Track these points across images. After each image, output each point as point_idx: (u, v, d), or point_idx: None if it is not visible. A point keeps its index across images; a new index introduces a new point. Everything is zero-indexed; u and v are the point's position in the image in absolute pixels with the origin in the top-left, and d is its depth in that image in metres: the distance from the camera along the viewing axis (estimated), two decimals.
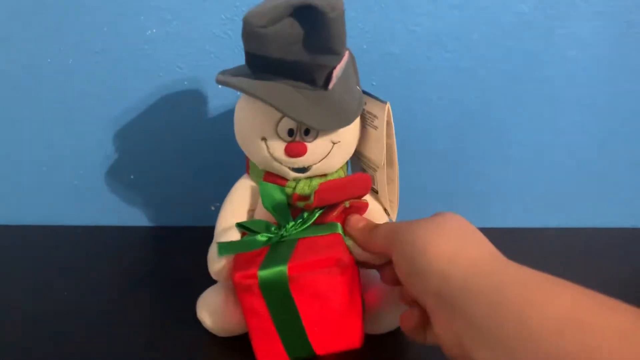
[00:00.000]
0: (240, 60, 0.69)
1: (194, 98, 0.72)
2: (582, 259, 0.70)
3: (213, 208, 0.77)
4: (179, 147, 0.75)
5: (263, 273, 0.43)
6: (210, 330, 0.52)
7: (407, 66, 0.71)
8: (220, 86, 0.70)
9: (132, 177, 0.77)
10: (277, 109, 0.45)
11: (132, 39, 0.69)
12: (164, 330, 0.54)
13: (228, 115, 0.73)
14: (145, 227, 0.79)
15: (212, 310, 0.51)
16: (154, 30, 0.69)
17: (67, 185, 0.77)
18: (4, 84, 0.72)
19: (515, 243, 0.73)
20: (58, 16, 0.68)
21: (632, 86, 0.73)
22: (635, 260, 0.70)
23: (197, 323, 0.53)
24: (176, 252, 0.71)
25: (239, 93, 0.71)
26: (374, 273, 0.57)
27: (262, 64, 0.46)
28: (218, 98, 0.72)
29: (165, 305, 0.59)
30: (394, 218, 0.58)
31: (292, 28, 0.43)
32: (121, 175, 0.77)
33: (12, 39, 0.70)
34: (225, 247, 0.47)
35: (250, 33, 0.44)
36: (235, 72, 0.49)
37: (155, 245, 0.74)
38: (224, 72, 0.50)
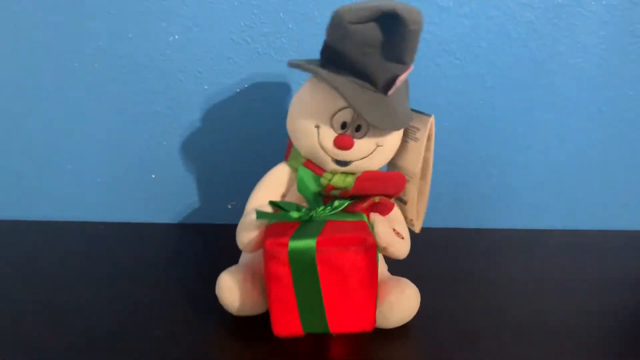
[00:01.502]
0: (256, 65, 0.73)
1: (212, 101, 0.76)
2: (585, 261, 0.72)
3: (230, 207, 0.81)
4: (198, 147, 0.78)
5: (293, 243, 0.47)
6: (227, 309, 0.54)
7: (418, 72, 0.73)
8: (243, 87, 0.74)
9: (153, 176, 0.80)
10: (345, 98, 0.49)
11: (155, 45, 0.73)
12: (182, 320, 0.57)
13: (245, 117, 0.76)
14: (165, 224, 0.82)
15: (230, 288, 0.54)
16: (176, 37, 0.73)
17: (91, 183, 0.80)
18: (33, 87, 0.76)
19: (520, 244, 0.76)
20: (86, 23, 0.72)
21: (635, 93, 0.75)
22: (635, 261, 0.72)
23: (214, 312, 0.55)
24: (193, 248, 0.74)
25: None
26: (386, 270, 0.60)
27: (336, 57, 0.50)
28: (236, 101, 0.76)
29: (183, 296, 0.61)
30: (418, 229, 0.61)
31: (374, 31, 0.48)
32: (142, 174, 0.80)
33: (42, 44, 0.73)
34: (262, 214, 0.51)
35: (337, 25, 0.48)
36: (306, 62, 0.53)
37: (174, 241, 0.77)
38: (292, 61, 0.54)
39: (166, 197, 0.81)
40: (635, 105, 0.75)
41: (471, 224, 0.82)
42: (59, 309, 0.59)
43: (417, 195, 0.59)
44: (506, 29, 0.72)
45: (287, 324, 0.49)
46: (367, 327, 0.50)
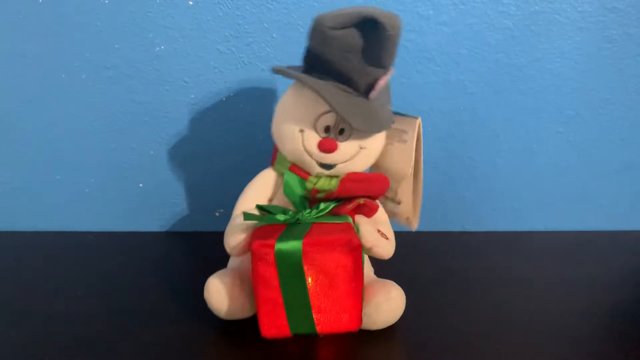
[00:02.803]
0: (242, 75, 0.74)
1: (198, 110, 0.77)
2: (567, 261, 0.73)
3: (217, 214, 0.81)
4: (184, 156, 0.79)
5: (280, 244, 0.48)
6: (215, 312, 0.55)
7: (400, 80, 0.75)
8: (228, 96, 0.75)
9: (140, 185, 0.81)
10: (327, 101, 0.50)
11: (141, 56, 0.74)
12: (171, 326, 0.57)
13: (231, 126, 0.77)
14: (153, 232, 0.83)
15: (218, 292, 0.54)
16: (162, 47, 0.74)
17: (80, 193, 0.81)
18: (22, 98, 0.76)
19: (504, 246, 0.77)
20: (73, 35, 0.73)
21: (610, 96, 0.77)
22: (615, 261, 0.73)
23: (202, 318, 0.56)
24: (182, 256, 0.74)
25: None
26: (372, 273, 0.61)
27: (318, 62, 0.52)
28: (222, 110, 0.77)
29: (172, 303, 0.62)
30: (415, 226, 0.62)
31: (354, 36, 0.49)
32: (130, 184, 0.81)
33: (31, 55, 0.74)
34: (250, 216, 0.52)
35: (318, 30, 0.50)
36: (290, 68, 0.55)
37: (163, 249, 0.77)
38: (276, 67, 0.55)
39: (154, 205, 0.82)
40: (612, 107, 0.78)
41: (455, 227, 0.83)
42: (49, 318, 0.59)
43: (413, 194, 0.60)
44: (485, 36, 0.74)
45: (275, 325, 0.50)
46: (353, 327, 0.51)
